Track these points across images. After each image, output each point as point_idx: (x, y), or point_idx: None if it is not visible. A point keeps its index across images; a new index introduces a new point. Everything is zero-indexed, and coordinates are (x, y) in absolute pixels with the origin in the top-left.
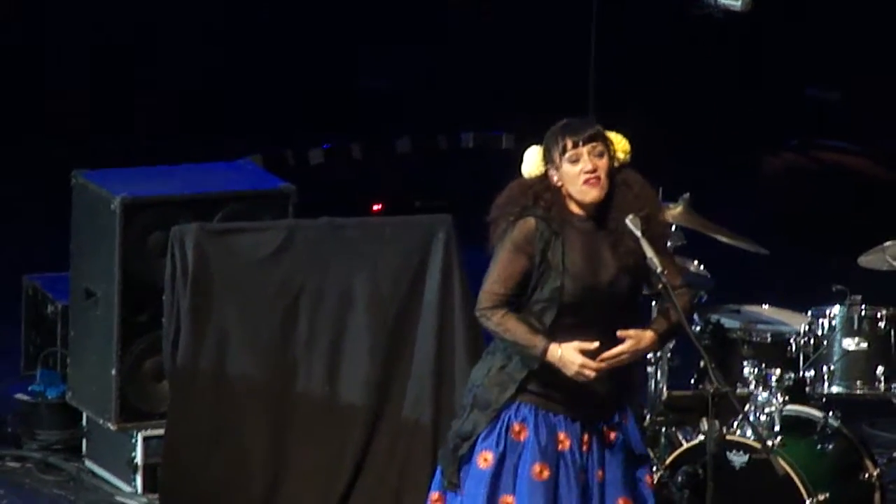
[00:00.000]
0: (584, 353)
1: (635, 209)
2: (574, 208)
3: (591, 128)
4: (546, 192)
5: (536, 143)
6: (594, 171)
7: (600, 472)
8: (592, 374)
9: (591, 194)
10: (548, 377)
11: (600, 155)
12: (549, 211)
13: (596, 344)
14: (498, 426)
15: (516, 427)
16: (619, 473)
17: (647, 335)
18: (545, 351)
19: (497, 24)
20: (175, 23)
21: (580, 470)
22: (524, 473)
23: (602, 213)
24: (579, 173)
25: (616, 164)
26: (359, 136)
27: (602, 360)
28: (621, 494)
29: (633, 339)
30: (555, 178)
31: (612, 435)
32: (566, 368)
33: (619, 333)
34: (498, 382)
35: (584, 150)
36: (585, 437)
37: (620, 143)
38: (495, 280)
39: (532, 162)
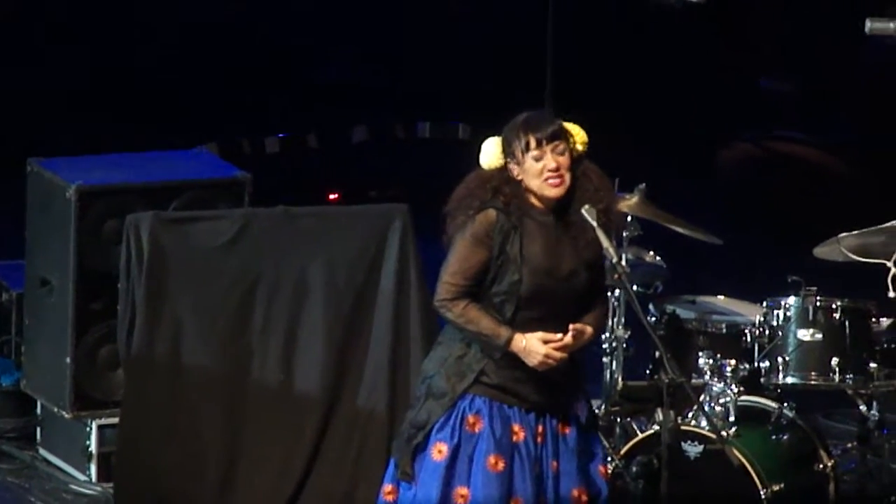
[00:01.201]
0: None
1: (595, 201)
2: (534, 201)
3: (553, 125)
4: (505, 185)
5: (494, 135)
6: (557, 169)
7: (555, 464)
8: (554, 363)
9: (554, 192)
10: (504, 369)
11: (562, 152)
12: (508, 205)
13: (559, 336)
14: (452, 418)
15: (471, 419)
16: (573, 465)
17: (588, 329)
18: (509, 341)
19: (454, 14)
20: (132, 10)
21: (535, 461)
22: (479, 465)
23: (562, 206)
24: (542, 171)
25: (575, 156)
26: (315, 125)
27: (557, 349)
28: (576, 485)
29: (578, 332)
30: (515, 172)
31: (567, 427)
32: (530, 358)
33: (572, 327)
34: (456, 372)
35: (546, 148)
36: (540, 428)
37: (579, 135)
38: (455, 271)
39: (491, 154)
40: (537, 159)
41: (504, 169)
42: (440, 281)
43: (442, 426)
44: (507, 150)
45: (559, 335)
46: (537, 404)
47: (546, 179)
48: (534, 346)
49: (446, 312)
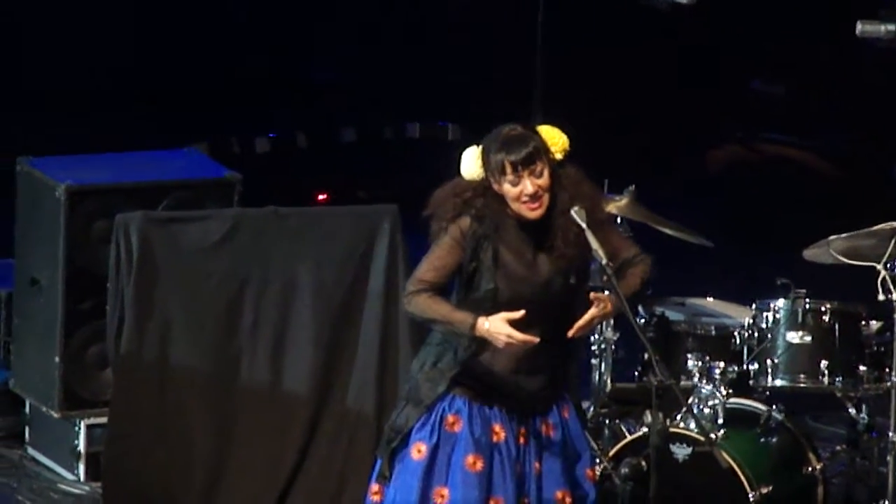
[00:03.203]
0: (512, 323)
1: (569, 208)
2: (510, 211)
3: (529, 146)
4: (479, 198)
5: (483, 134)
6: (534, 193)
7: (537, 465)
8: (519, 345)
9: (532, 215)
10: (480, 373)
11: (540, 174)
12: (481, 217)
13: (522, 312)
14: (432, 418)
15: (450, 419)
16: (556, 466)
17: (610, 298)
18: (473, 325)
19: (444, 16)
20: (122, 8)
21: (516, 461)
22: (458, 465)
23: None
24: (519, 195)
25: (553, 165)
26: (304, 125)
27: (579, 328)
28: (559, 487)
29: (602, 303)
30: (496, 187)
31: (550, 429)
32: (495, 340)
33: (593, 296)
34: (430, 378)
35: (523, 172)
36: (522, 429)
37: (558, 143)
38: (427, 269)
39: (471, 166)
40: (514, 184)
41: (483, 181)
42: (410, 277)
43: (422, 426)
44: (486, 166)
45: (522, 311)
46: (517, 406)
47: (523, 203)
48: (497, 326)
49: (409, 306)
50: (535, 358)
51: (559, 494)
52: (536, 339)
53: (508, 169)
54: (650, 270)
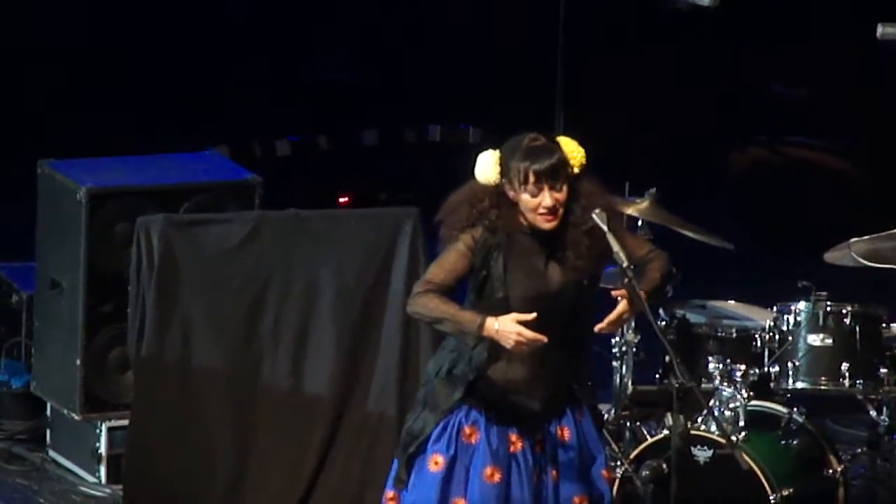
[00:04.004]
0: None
1: (582, 222)
2: (522, 220)
3: (553, 157)
4: (493, 209)
5: (504, 138)
6: (552, 206)
7: (554, 472)
8: (529, 345)
9: (546, 227)
10: (496, 385)
11: (560, 189)
12: (494, 229)
13: (533, 315)
14: (449, 429)
15: (467, 430)
16: (573, 471)
17: (640, 294)
18: (482, 325)
19: (465, 18)
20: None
21: (533, 471)
22: (475, 477)
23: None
24: (537, 206)
25: (570, 178)
26: (326, 128)
27: (609, 323)
28: (576, 493)
29: (628, 299)
30: (510, 193)
31: (566, 432)
32: (505, 340)
33: (614, 293)
34: (446, 384)
35: (545, 185)
36: (539, 437)
37: (577, 157)
38: (435, 272)
39: (487, 170)
40: (534, 195)
41: (498, 186)
42: (417, 282)
43: (438, 437)
44: (505, 172)
45: (533, 314)
46: (534, 414)
47: (540, 215)
48: (507, 326)
49: (413, 306)
50: (548, 365)
51: (577, 500)
52: (545, 339)
53: (532, 179)
54: (667, 264)
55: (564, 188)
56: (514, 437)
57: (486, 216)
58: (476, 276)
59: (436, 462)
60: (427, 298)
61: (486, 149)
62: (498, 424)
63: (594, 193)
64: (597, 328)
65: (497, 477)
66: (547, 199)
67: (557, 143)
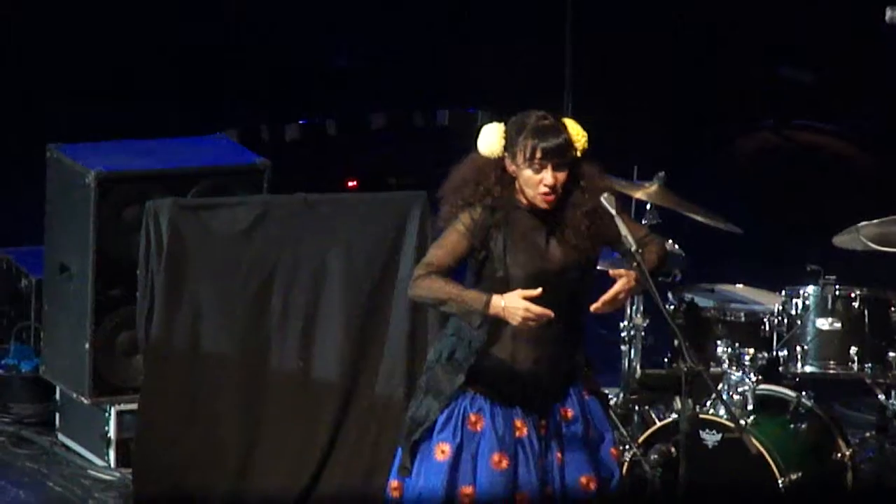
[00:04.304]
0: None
1: (582, 203)
2: (522, 198)
3: (560, 137)
4: (497, 184)
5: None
6: (553, 185)
7: (559, 454)
8: (537, 321)
9: (544, 205)
10: (496, 371)
11: (563, 169)
12: (494, 207)
13: (539, 290)
14: (454, 418)
15: (472, 417)
16: (579, 453)
17: (633, 274)
18: (488, 303)
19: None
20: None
21: (539, 454)
22: (483, 464)
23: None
24: (538, 184)
25: (572, 161)
26: (334, 112)
27: (604, 303)
28: (583, 472)
29: (626, 279)
30: (510, 168)
31: (569, 413)
32: (512, 317)
33: (612, 273)
34: (448, 370)
35: (548, 163)
36: (542, 421)
37: (580, 140)
38: (435, 254)
39: (491, 142)
40: (537, 171)
41: (500, 161)
42: (417, 265)
43: (444, 426)
44: (509, 146)
45: (539, 290)
46: (537, 397)
47: (540, 193)
48: (513, 303)
49: (414, 290)
50: (549, 346)
51: (584, 480)
52: (552, 314)
53: (538, 156)
54: (663, 248)
55: (566, 170)
56: (519, 423)
57: (490, 193)
58: (475, 257)
59: (442, 451)
60: (429, 280)
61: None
62: (502, 409)
63: (594, 176)
64: (592, 307)
65: (505, 463)
66: (549, 177)
67: (564, 124)
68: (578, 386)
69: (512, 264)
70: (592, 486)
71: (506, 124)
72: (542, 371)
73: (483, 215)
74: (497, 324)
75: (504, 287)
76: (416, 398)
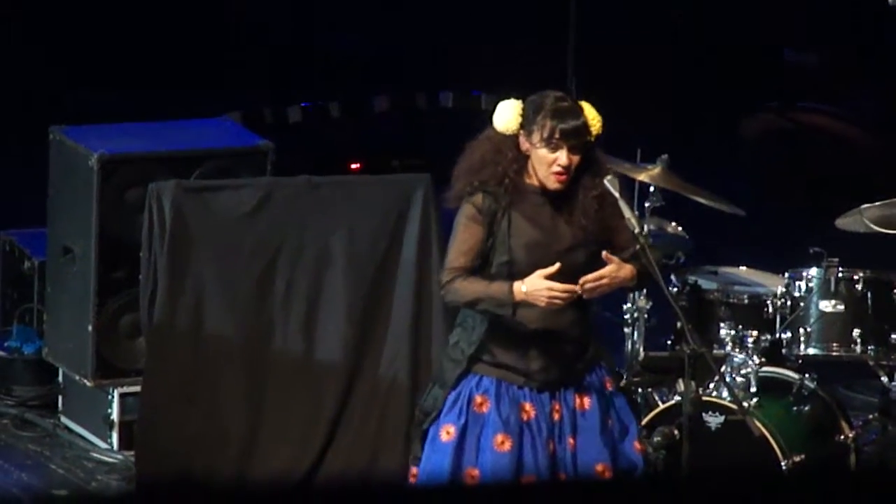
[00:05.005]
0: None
1: (592, 187)
2: (531, 179)
3: (579, 119)
4: (513, 163)
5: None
6: (567, 166)
7: (571, 440)
8: (563, 297)
9: (556, 186)
10: (509, 348)
11: (578, 151)
12: (503, 188)
13: (557, 266)
14: (460, 399)
15: (478, 399)
16: (594, 440)
17: (628, 266)
18: (511, 292)
19: None
20: None
21: (547, 439)
22: (486, 445)
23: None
24: (552, 163)
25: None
26: (337, 94)
27: (585, 282)
28: (598, 460)
29: (615, 265)
30: (524, 146)
31: (586, 401)
32: (537, 299)
33: (605, 256)
34: (453, 359)
35: (565, 144)
36: (556, 405)
37: (595, 124)
38: (455, 256)
39: (508, 119)
40: (552, 151)
41: (515, 137)
42: (443, 268)
43: (450, 408)
44: (526, 124)
45: (557, 265)
46: (547, 382)
47: (553, 173)
48: (535, 284)
49: (447, 296)
50: (559, 329)
51: (599, 468)
52: (578, 289)
53: (557, 135)
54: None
55: (580, 153)
56: (527, 406)
57: (507, 174)
58: (485, 243)
59: (448, 432)
60: (456, 284)
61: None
62: (510, 394)
63: (604, 162)
64: (581, 279)
65: (507, 445)
66: (563, 157)
67: (581, 107)
68: (600, 376)
69: (516, 245)
70: (608, 475)
71: (523, 102)
72: (551, 355)
73: (487, 201)
74: (505, 315)
75: (507, 272)
76: (426, 390)
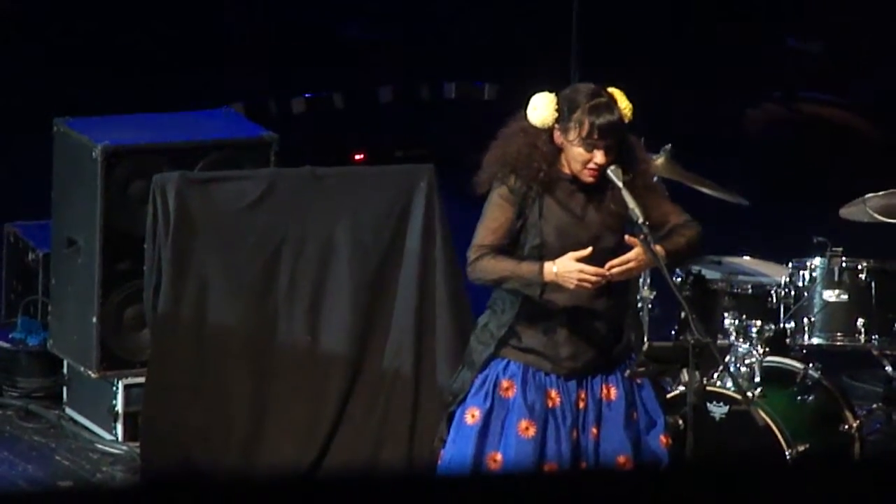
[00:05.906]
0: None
1: (624, 173)
2: (564, 168)
3: (615, 114)
4: (547, 158)
5: (522, 95)
6: (601, 165)
7: (595, 430)
8: (593, 280)
9: (588, 181)
10: (538, 332)
11: (612, 150)
12: (537, 175)
13: (589, 249)
14: (487, 383)
15: (504, 384)
16: (618, 431)
17: (656, 247)
18: (541, 271)
19: None
20: None
21: (572, 427)
22: (510, 430)
23: None
24: (587, 161)
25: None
26: (341, 85)
27: (611, 267)
28: (621, 452)
29: (640, 248)
30: (558, 140)
31: (612, 392)
32: (566, 280)
33: (628, 240)
34: (482, 341)
35: (600, 142)
36: (582, 393)
37: (627, 112)
38: (484, 234)
39: (545, 113)
40: (588, 150)
41: (549, 130)
42: (470, 245)
43: (477, 391)
44: (562, 119)
45: (589, 249)
46: (574, 370)
47: (587, 170)
48: (566, 265)
49: (474, 273)
50: (589, 316)
51: (621, 459)
52: (608, 273)
53: (595, 134)
54: (699, 236)
55: (616, 151)
56: (553, 393)
57: (541, 169)
58: (515, 225)
59: (472, 415)
60: (483, 262)
61: (501, 105)
62: (536, 380)
63: (634, 148)
64: (608, 264)
65: (532, 431)
66: (599, 157)
67: (615, 98)
68: (628, 361)
69: (547, 229)
70: (629, 467)
71: (557, 95)
72: (581, 342)
73: (519, 183)
74: (531, 297)
75: (538, 255)
76: (457, 371)
